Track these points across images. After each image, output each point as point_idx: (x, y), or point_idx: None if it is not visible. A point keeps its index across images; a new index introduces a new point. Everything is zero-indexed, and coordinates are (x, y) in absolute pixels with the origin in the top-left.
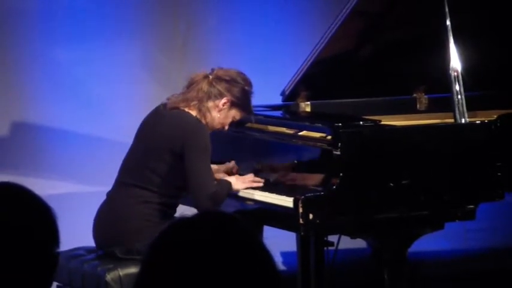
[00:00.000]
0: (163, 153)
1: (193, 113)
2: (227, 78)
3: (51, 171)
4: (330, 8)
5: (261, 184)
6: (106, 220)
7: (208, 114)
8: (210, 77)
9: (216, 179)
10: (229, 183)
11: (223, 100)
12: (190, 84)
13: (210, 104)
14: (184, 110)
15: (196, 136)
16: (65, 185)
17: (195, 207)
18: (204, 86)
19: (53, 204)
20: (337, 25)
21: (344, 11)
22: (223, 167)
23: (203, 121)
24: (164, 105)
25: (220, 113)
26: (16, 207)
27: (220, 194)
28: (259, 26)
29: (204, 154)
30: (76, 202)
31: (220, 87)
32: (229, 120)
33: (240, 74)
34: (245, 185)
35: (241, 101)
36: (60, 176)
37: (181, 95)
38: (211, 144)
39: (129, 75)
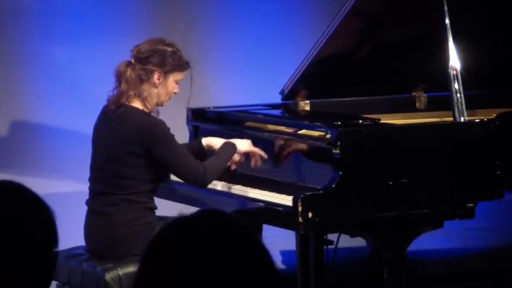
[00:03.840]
0: (124, 157)
1: (137, 104)
2: (147, 54)
3: (50, 170)
4: (329, 6)
5: (259, 161)
6: (96, 234)
7: (149, 96)
8: (132, 61)
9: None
10: (231, 145)
11: (156, 75)
12: (118, 77)
13: (146, 86)
14: (129, 106)
15: (152, 134)
16: (63, 184)
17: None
18: (131, 73)
19: (51, 203)
20: (336, 24)
21: (343, 9)
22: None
23: (149, 106)
24: (107, 106)
25: (159, 88)
26: (15, 206)
27: (214, 166)
28: (258, 25)
29: (169, 143)
30: (75, 201)
31: (146, 65)
32: (173, 85)
33: (158, 40)
34: (250, 148)
35: (172, 65)
36: (59, 175)
37: (115, 90)
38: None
39: None
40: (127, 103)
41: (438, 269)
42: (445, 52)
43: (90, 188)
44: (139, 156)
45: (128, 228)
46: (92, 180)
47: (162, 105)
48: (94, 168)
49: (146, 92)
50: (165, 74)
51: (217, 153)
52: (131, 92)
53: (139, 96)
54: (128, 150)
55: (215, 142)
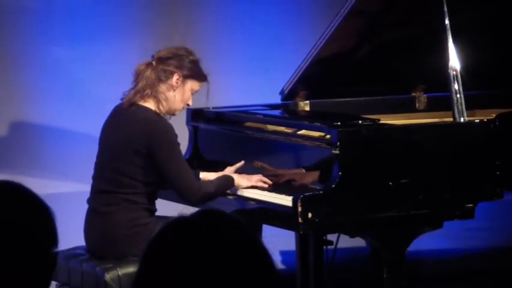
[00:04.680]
0: (130, 155)
1: (151, 105)
2: (169, 55)
3: (50, 170)
4: (329, 6)
5: (266, 185)
6: (95, 233)
7: (165, 99)
8: (153, 62)
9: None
10: (230, 179)
11: (175, 77)
12: (137, 76)
13: (163, 87)
14: (141, 105)
15: (158, 135)
16: (63, 184)
17: (189, 204)
18: (150, 73)
19: (51, 203)
20: (336, 24)
21: (343, 10)
22: (232, 168)
23: (162, 109)
24: (121, 106)
25: (176, 92)
26: (14, 206)
27: (208, 189)
28: (258, 25)
29: (173, 149)
30: (75, 201)
31: (166, 66)
32: (188, 94)
33: (180, 47)
34: (250, 183)
35: (192, 71)
36: (59, 175)
37: (132, 89)
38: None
39: (128, 74)
40: (140, 103)
41: (438, 269)
42: (445, 52)
43: (92, 186)
44: (142, 155)
45: (128, 228)
46: (95, 177)
47: (174, 114)
48: (98, 165)
49: (163, 93)
50: (184, 78)
51: (215, 180)
52: (148, 91)
53: (155, 97)
54: (133, 147)
55: (212, 177)
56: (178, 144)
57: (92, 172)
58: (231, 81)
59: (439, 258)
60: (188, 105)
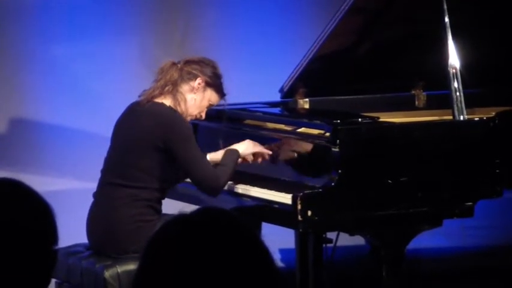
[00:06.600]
0: (146, 149)
1: (168, 101)
2: (195, 60)
3: (50, 167)
4: (329, 4)
5: (269, 153)
6: (97, 226)
7: (184, 100)
8: (179, 65)
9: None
10: (235, 151)
11: (198, 80)
12: (160, 73)
13: (185, 87)
14: (158, 102)
15: (175, 128)
16: (63, 181)
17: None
18: (174, 72)
19: (51, 200)
20: (336, 22)
21: (343, 7)
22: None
23: (179, 109)
24: (137, 102)
25: (196, 95)
26: (15, 204)
27: (224, 174)
28: (258, 22)
29: (189, 142)
30: (75, 199)
31: (192, 68)
32: (206, 103)
33: (208, 59)
34: (256, 148)
35: (214, 81)
36: (59, 173)
37: (152, 86)
38: (193, 131)
39: (127, 71)
40: (158, 100)
41: (437, 267)
42: (445, 50)
43: (99, 179)
44: (160, 150)
45: (130, 224)
46: (103, 171)
47: (189, 117)
48: (109, 159)
49: (182, 94)
50: (206, 84)
51: (223, 162)
52: (169, 87)
53: (174, 95)
54: (151, 142)
55: (220, 157)
56: (194, 137)
57: (92, 170)
58: (231, 78)
59: (438, 257)
60: (201, 116)
